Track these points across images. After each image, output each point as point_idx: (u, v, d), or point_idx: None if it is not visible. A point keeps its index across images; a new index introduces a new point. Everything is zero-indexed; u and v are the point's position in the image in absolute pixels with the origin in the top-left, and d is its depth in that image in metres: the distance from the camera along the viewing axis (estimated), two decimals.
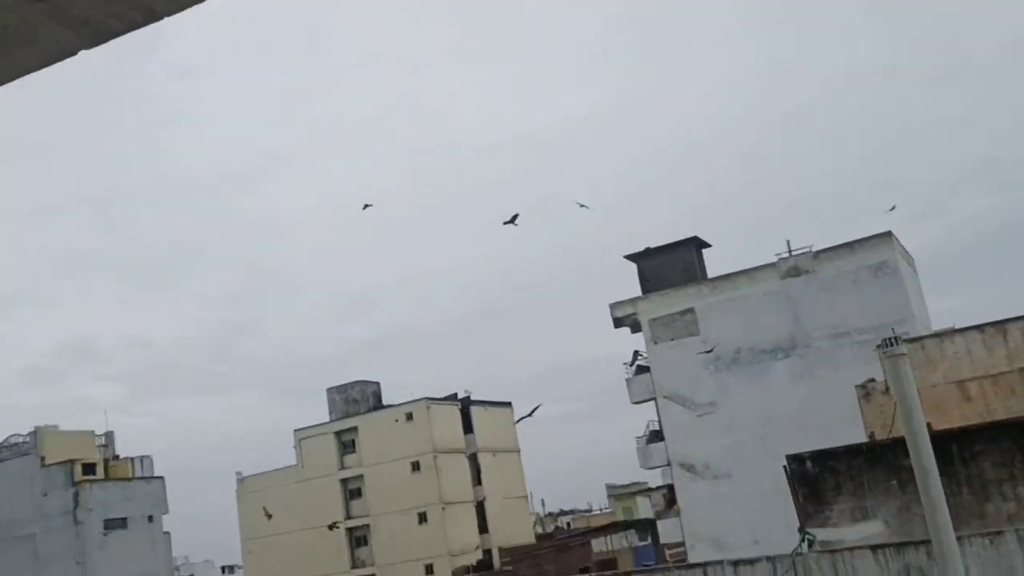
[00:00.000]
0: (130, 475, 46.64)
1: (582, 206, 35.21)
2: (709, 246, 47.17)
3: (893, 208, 33.73)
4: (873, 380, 28.67)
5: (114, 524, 44.50)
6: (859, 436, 27.46)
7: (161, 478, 47.64)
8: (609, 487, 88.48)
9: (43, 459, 44.41)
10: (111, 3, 2.01)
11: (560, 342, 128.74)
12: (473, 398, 64.42)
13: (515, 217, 33.29)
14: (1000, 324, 26.37)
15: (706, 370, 43.47)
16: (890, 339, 29.38)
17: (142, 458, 47.71)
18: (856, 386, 30.52)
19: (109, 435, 48.08)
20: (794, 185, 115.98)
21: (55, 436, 45.47)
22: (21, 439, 45.56)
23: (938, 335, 29.34)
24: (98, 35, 2.13)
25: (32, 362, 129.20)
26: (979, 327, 26.83)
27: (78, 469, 44.08)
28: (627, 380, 46.73)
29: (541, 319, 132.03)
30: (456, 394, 63.71)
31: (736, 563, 16.50)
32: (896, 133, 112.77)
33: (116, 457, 47.28)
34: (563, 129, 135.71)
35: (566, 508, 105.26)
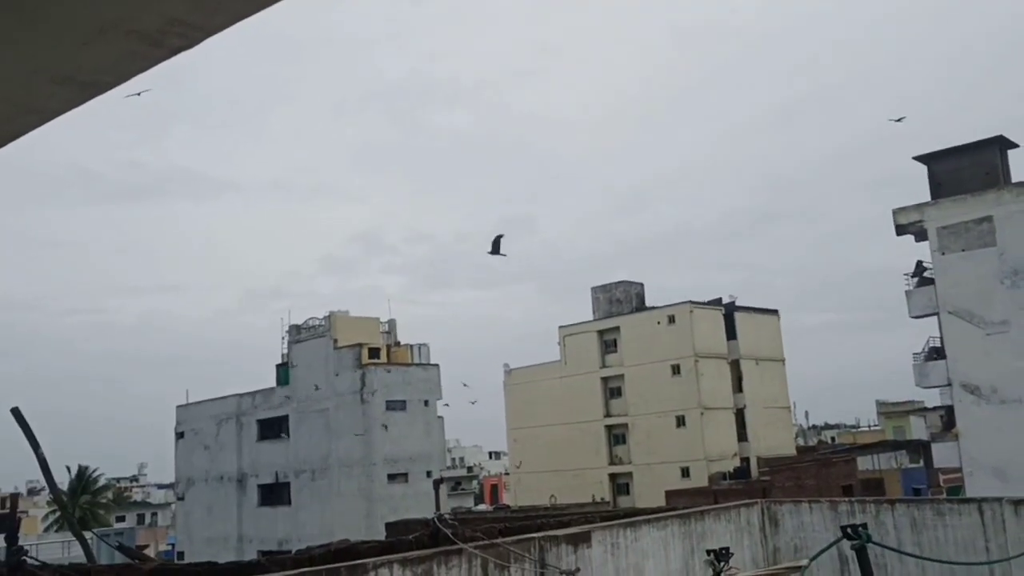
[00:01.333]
0: (409, 361, 50.64)
1: (898, 120, 31.46)
2: (1016, 146, 41.97)
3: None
4: None
5: (395, 405, 48.73)
6: None
7: (436, 365, 51.29)
8: (880, 404, 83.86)
9: (335, 341, 49.30)
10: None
11: (838, 248, 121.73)
12: (739, 304, 62.94)
13: (497, 243, 30.39)
14: None
15: (1001, 285, 39.35)
16: None
17: (420, 346, 51.53)
18: None
19: (392, 323, 52.31)
20: None
21: (346, 321, 50.20)
22: (318, 322, 50.77)
23: None
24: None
25: (330, 251, 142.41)
26: None
27: (365, 353, 48.52)
28: (907, 292, 43.41)
29: (819, 223, 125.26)
30: (721, 299, 62.53)
31: (1018, 503, 14.92)
32: None
33: (398, 344, 51.42)
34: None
35: (831, 422, 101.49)
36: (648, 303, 64.59)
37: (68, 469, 71.38)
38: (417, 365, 50.82)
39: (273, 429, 53.21)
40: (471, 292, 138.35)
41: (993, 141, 41.31)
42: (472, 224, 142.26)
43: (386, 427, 48.14)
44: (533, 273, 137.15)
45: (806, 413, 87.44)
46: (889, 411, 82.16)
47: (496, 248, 30.51)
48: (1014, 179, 41.05)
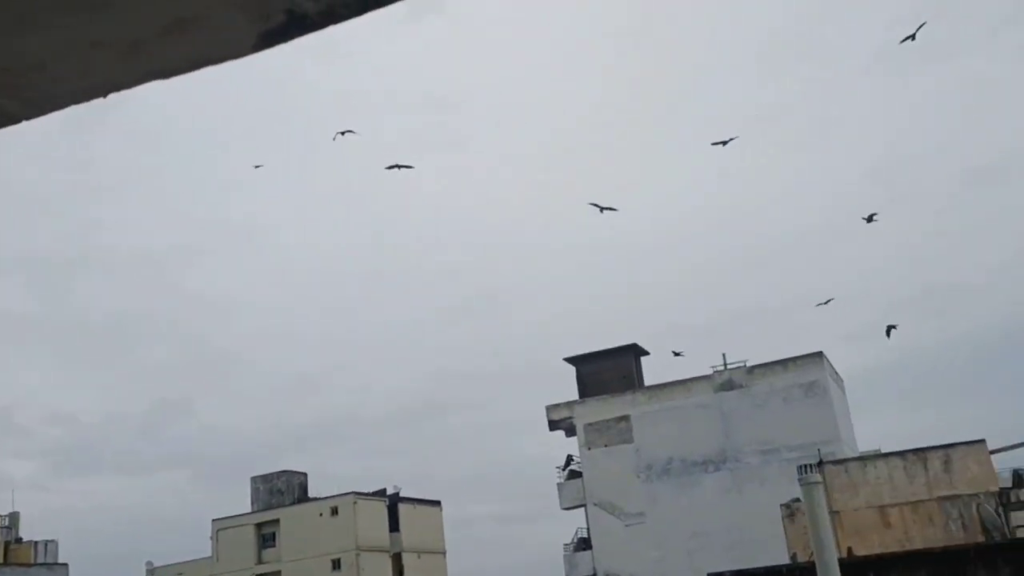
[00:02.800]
0: (32, 560, 44.20)
1: (604, 209, 33.19)
2: (647, 354, 47.57)
3: (828, 301, 33.88)
4: (798, 500, 28.68)
5: None
6: (783, 556, 27.33)
7: (65, 565, 45.19)
8: None
9: None
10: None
11: (498, 440, 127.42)
12: (402, 495, 62.96)
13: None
14: (921, 452, 26.77)
15: (637, 479, 43.24)
16: (808, 465, 29.66)
17: (47, 542, 45.29)
18: (781, 505, 30.55)
19: (13, 516, 45.72)
20: (735, 297, 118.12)
21: None
22: None
23: (862, 458, 29.68)
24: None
25: None
26: (901, 453, 27.20)
27: None
28: (558, 485, 46.20)
29: (479, 415, 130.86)
30: (385, 490, 62.21)
31: None
32: (843, 259, 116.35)
33: (19, 540, 44.86)
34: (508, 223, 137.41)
35: None
36: (312, 493, 62.59)
37: None
38: (41, 565, 44.43)
39: None
40: (116, 479, 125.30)
41: (629, 348, 46.51)
42: (122, 406, 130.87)
43: None
44: (188, 459, 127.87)
45: None
46: None
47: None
48: (646, 383, 46.20)
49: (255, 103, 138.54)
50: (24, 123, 1.85)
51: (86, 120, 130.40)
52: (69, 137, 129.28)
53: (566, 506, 45.67)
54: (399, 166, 28.85)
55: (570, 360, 47.01)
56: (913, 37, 25.16)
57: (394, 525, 61.15)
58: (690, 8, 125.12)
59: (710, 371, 42.53)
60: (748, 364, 41.78)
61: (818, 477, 29.35)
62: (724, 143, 27.97)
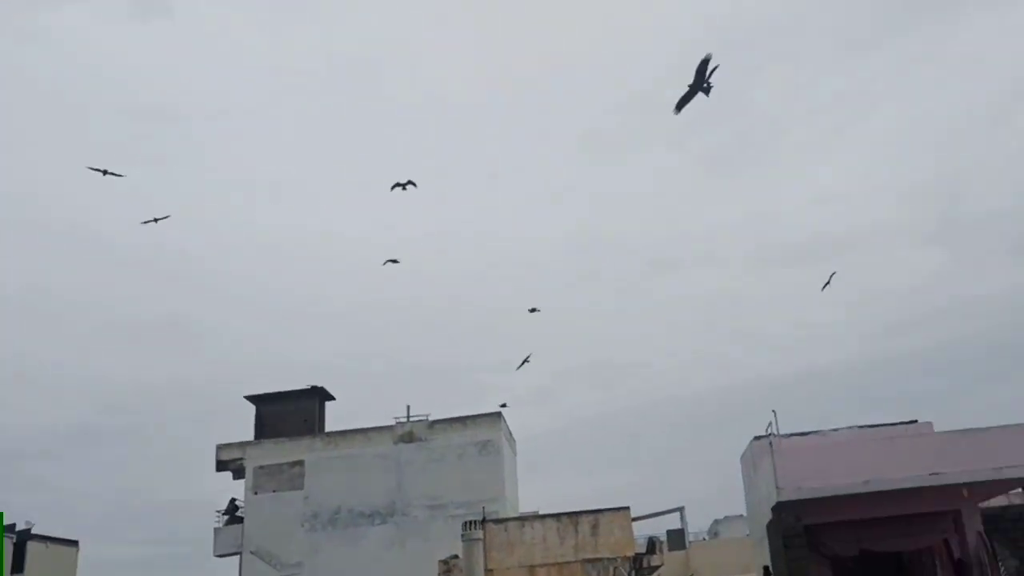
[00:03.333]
0: None
1: (392, 262, 30.97)
2: (333, 399, 46.58)
3: (525, 360, 34.68)
4: (456, 556, 29.11)
5: None
6: None
7: None
8: None
9: None
10: None
11: (158, 476, 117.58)
12: (35, 531, 56.01)
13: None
14: (575, 515, 28.22)
15: (301, 527, 41.73)
16: (473, 522, 30.30)
17: None
18: (439, 561, 30.83)
19: None
20: (419, 350, 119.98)
21: None
22: None
23: (521, 519, 30.74)
24: None
25: None
26: (557, 516, 28.51)
27: None
28: (215, 530, 43.40)
29: (141, 448, 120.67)
30: (15, 524, 55.02)
31: None
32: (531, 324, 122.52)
33: None
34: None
35: None
36: None
37: None
38: None
39: None
40: None
41: (314, 391, 45.33)
42: None
43: None
44: None
45: None
46: None
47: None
48: (328, 428, 45.17)
49: None
50: None
51: None
52: None
53: (220, 553, 42.93)
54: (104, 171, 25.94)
55: (251, 398, 44.89)
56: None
57: (19, 566, 54.08)
58: None
59: (393, 422, 42.46)
60: (431, 418, 42.23)
61: (479, 534, 30.22)
62: (403, 186, 26.23)
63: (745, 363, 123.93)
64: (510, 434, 43.74)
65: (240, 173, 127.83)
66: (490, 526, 28.87)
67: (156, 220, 27.01)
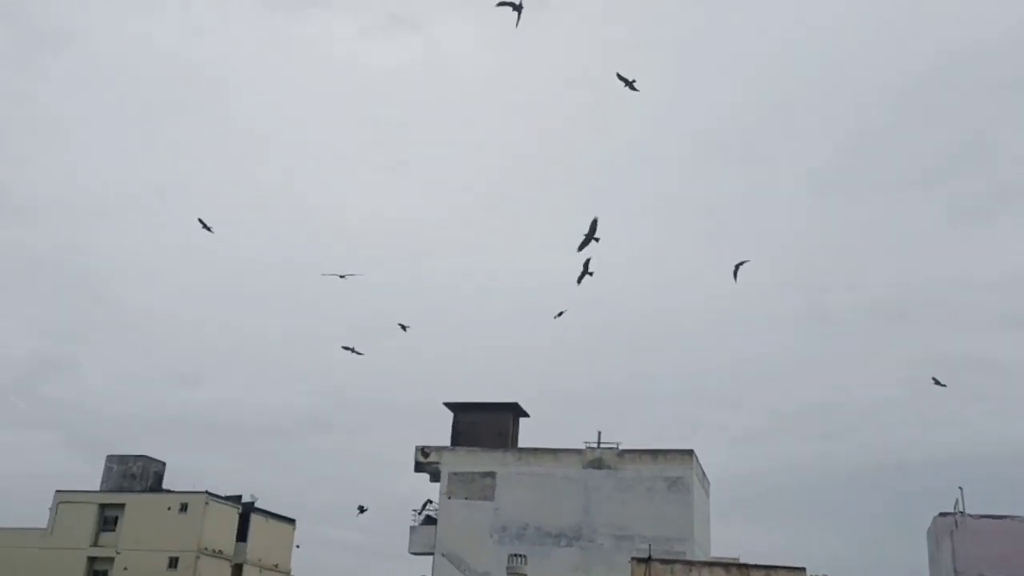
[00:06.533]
0: None
1: (403, 327, 33.83)
2: (527, 416, 47.19)
3: (560, 314, 32.02)
4: None
5: None
6: None
7: None
8: None
9: None
10: None
11: (367, 469, 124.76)
12: (258, 505, 61.09)
13: (594, 228, 24.83)
14: (745, 567, 26.90)
15: (490, 538, 42.59)
16: (642, 558, 29.53)
17: None
18: None
19: None
20: (627, 376, 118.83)
21: None
22: None
23: (688, 563, 29.64)
24: None
25: None
26: (726, 564, 27.27)
27: None
28: (411, 528, 45.22)
29: (355, 441, 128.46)
30: (240, 496, 60.26)
31: None
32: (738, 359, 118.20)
33: None
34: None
35: None
36: (167, 484, 60.32)
37: None
38: None
39: None
40: None
41: (509, 406, 46.11)
42: (4, 351, 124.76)
43: None
44: (61, 423, 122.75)
45: None
46: None
47: (590, 235, 23.96)
48: (520, 444, 45.81)
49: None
50: None
51: (32, 59, 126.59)
52: (7, 71, 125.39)
53: (415, 551, 44.65)
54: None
55: (449, 405, 46.37)
56: None
57: (242, 535, 59.17)
58: None
59: (583, 446, 42.34)
60: (620, 447, 41.71)
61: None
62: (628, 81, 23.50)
63: (986, 430, 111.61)
64: (703, 474, 42.33)
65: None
66: (656, 565, 28.09)
67: (342, 276, 29.10)
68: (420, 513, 45.84)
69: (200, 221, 29.28)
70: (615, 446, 41.73)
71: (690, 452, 40.65)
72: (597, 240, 24.21)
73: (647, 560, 28.02)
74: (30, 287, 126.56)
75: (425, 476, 45.93)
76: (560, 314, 29.41)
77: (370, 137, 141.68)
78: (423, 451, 44.83)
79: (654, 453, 41.09)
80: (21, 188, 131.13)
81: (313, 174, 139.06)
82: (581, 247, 24.41)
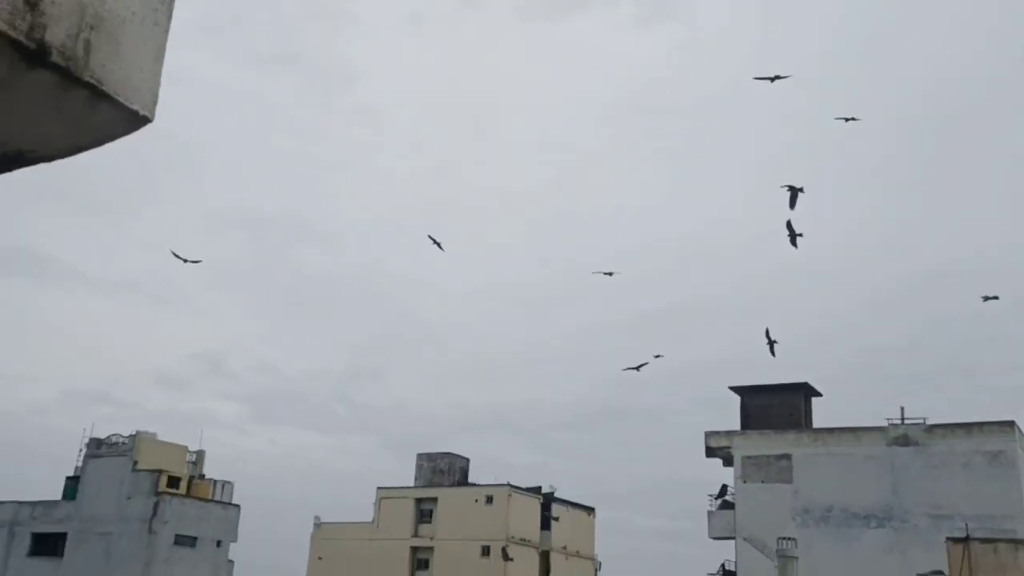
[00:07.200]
0: (210, 496, 48.36)
1: (607, 274, 32.70)
2: (819, 395, 45.36)
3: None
4: (940, 572, 26.71)
5: (184, 541, 46.08)
6: None
7: (237, 506, 49.12)
8: None
9: (135, 463, 46.76)
10: None
11: (657, 456, 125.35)
12: (557, 495, 63.52)
13: (795, 196, 25.53)
14: None
15: (792, 521, 41.44)
16: (959, 538, 27.34)
17: (224, 483, 49.37)
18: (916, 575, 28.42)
19: (200, 453, 50.19)
20: (927, 350, 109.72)
21: (151, 444, 47.82)
22: (121, 440, 48.18)
23: (1015, 542, 27.01)
24: None
25: (167, 364, 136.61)
26: None
27: (163, 480, 46.10)
28: (709, 513, 45.06)
29: (646, 431, 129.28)
30: (540, 487, 62.99)
31: None
32: None
33: (202, 476, 49.18)
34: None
35: None
36: (472, 478, 64.43)
37: None
38: (216, 502, 48.54)
39: (48, 545, 49.09)
40: (305, 433, 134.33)
41: (800, 386, 44.51)
42: (318, 365, 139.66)
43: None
44: (374, 427, 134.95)
45: None
46: None
47: (793, 200, 24.76)
48: (814, 424, 44.10)
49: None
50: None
51: (318, 96, 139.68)
52: (302, 110, 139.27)
53: (714, 535, 44.48)
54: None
55: (736, 389, 45.61)
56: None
57: (545, 524, 61.82)
58: None
59: (885, 423, 40.00)
60: (928, 422, 38.94)
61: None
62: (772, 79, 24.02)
63: None
64: None
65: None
66: (975, 545, 25.83)
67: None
68: (716, 498, 45.58)
69: (430, 238, 30.89)
70: (922, 421, 39.06)
71: (1011, 423, 37.13)
72: (802, 190, 24.77)
73: (965, 540, 25.98)
74: (338, 307, 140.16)
75: (717, 461, 45.58)
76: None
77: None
78: (712, 437, 44.53)
79: (968, 427, 37.99)
80: (323, 218, 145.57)
81: (582, 178, 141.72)
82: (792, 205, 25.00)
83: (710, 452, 45.00)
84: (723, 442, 44.30)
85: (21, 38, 1.58)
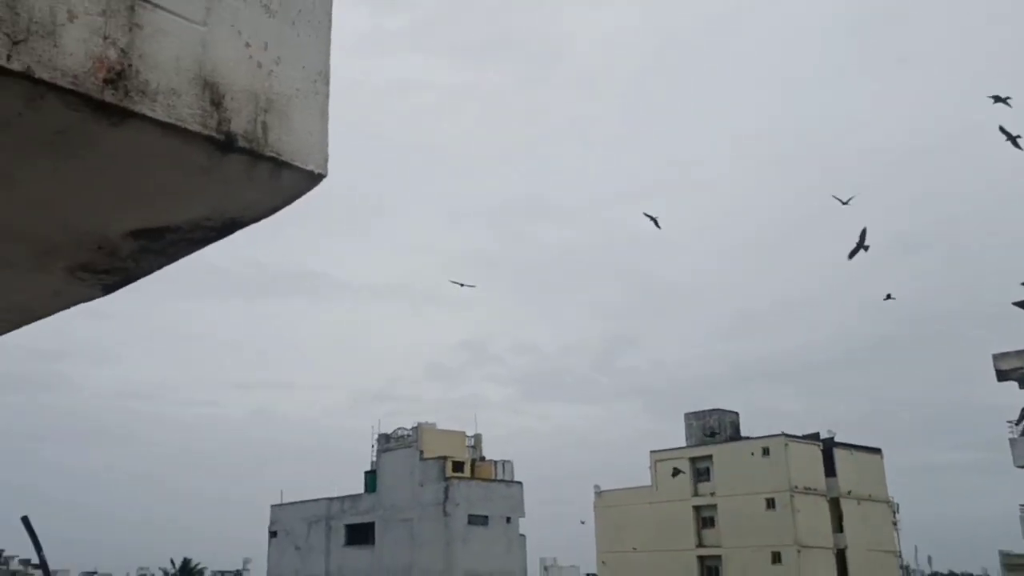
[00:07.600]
0: (493, 476, 51.16)
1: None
2: None
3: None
4: None
5: (477, 520, 49.13)
6: None
7: (519, 483, 51.59)
8: (1003, 554, 77.92)
9: (422, 453, 50.46)
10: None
11: (939, 386, 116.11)
12: (838, 440, 60.99)
13: (862, 241, 26.86)
14: None
15: None
16: None
17: (504, 462, 52.04)
18: None
19: (477, 437, 53.19)
20: None
21: (433, 433, 51.39)
22: (406, 432, 52.14)
23: None
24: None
25: (436, 358, 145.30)
26: None
27: (449, 465, 49.42)
28: (1011, 440, 41.48)
29: (926, 359, 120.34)
30: (818, 434, 60.75)
31: None
32: None
33: (482, 458, 52.14)
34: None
35: (957, 570, 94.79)
36: (744, 432, 63.36)
37: (172, 562, 73.34)
38: (499, 481, 51.23)
39: (360, 535, 54.22)
40: (572, 406, 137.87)
41: None
42: (576, 338, 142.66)
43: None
44: (638, 392, 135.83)
45: (929, 558, 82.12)
46: (1013, 562, 76.23)
47: (860, 247, 26.73)
48: None
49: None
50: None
51: (534, 74, 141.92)
52: (521, 91, 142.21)
53: (1020, 464, 40.90)
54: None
55: (1020, 304, 41.43)
56: None
57: (829, 470, 59.59)
58: None
59: None
60: None
61: None
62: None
63: None
64: None
65: None
66: None
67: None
68: (1018, 423, 41.87)
69: (647, 215, 30.93)
70: None
71: None
72: (866, 249, 26.78)
73: None
74: (586, 279, 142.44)
75: (1012, 385, 41.79)
76: None
77: None
78: (1003, 359, 40.83)
79: None
80: (556, 194, 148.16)
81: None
82: (851, 256, 27.25)
83: (1001, 376, 41.33)
84: (1016, 363, 40.52)
85: (212, 133, 1.97)
